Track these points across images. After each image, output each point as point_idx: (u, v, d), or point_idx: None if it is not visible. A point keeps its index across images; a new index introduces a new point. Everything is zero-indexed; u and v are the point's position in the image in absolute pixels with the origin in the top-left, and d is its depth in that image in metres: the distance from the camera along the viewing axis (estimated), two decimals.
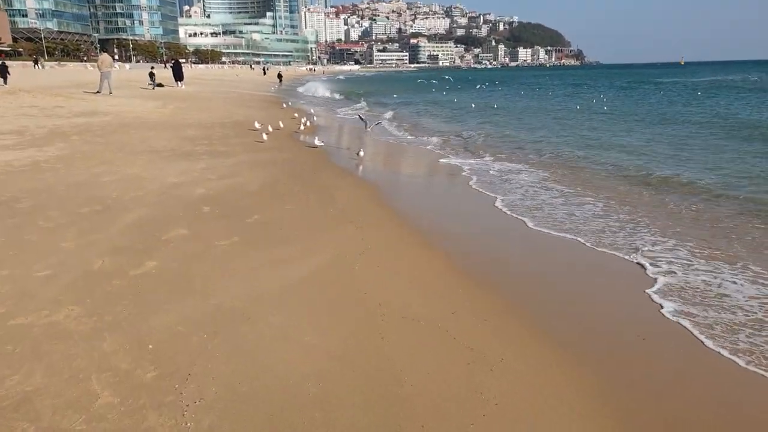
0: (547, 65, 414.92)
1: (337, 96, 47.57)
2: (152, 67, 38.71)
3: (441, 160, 13.58)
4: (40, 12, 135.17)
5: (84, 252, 5.48)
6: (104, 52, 29.51)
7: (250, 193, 8.70)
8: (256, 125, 17.63)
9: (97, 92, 26.07)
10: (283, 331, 4.11)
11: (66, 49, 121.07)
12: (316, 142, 14.93)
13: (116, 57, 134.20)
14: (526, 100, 42.15)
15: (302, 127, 18.64)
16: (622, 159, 13.77)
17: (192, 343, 3.80)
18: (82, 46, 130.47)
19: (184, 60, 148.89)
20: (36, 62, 64.15)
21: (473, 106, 34.68)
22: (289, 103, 30.56)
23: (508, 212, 8.49)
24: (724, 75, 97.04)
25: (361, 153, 13.39)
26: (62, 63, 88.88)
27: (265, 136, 15.14)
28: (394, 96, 47.64)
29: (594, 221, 7.88)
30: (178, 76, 38.00)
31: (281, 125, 18.53)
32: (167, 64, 64.94)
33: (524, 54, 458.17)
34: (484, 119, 26.01)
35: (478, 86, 64.43)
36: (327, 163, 12.57)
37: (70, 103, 20.01)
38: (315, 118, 23.16)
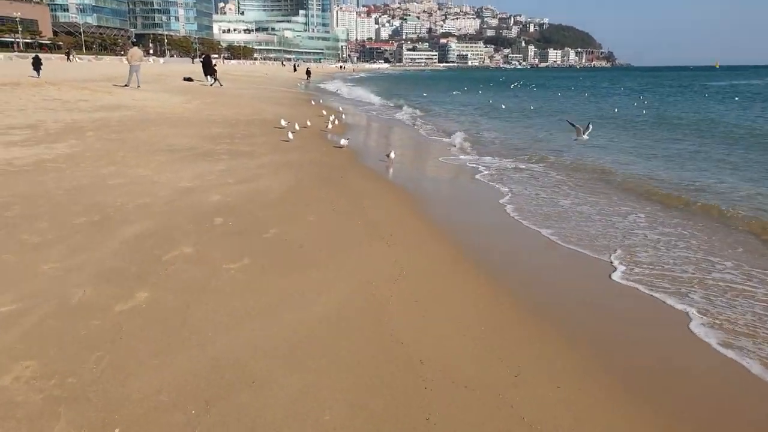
0: (578, 66, 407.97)
1: (366, 94, 46.70)
2: (214, 64, 37.27)
3: (477, 166, 12.48)
4: (81, 7, 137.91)
5: (65, 278, 4.58)
6: (135, 45, 28.98)
7: (270, 201, 7.76)
8: (283, 123, 16.77)
9: (125, 85, 25.66)
10: (297, 403, 3.12)
11: (104, 44, 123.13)
12: (342, 141, 14.00)
13: (151, 51, 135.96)
14: (561, 101, 40.65)
15: (330, 126, 17.74)
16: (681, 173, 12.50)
17: (174, 422, 2.84)
18: (119, 40, 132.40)
19: (216, 55, 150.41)
20: (69, 55, 64.66)
21: (503, 107, 33.45)
22: (320, 101, 29.71)
23: (557, 240, 7.38)
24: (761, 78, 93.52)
25: (392, 155, 12.42)
26: (99, 57, 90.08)
27: (291, 135, 14.26)
28: (424, 95, 46.52)
29: (672, 258, 6.72)
30: (209, 71, 37.50)
31: (309, 123, 17.66)
32: (197, 59, 64.87)
33: (554, 55, 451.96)
34: (519, 122, 24.77)
35: (512, 85, 63.04)
36: (355, 165, 11.61)
37: (95, 96, 19.46)
38: (344, 116, 22.26)
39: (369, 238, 6.47)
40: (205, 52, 48.31)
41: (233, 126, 16.16)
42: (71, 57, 63.78)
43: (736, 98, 42.36)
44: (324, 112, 22.41)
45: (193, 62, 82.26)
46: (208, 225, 6.42)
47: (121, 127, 13.45)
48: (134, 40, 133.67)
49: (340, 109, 26.17)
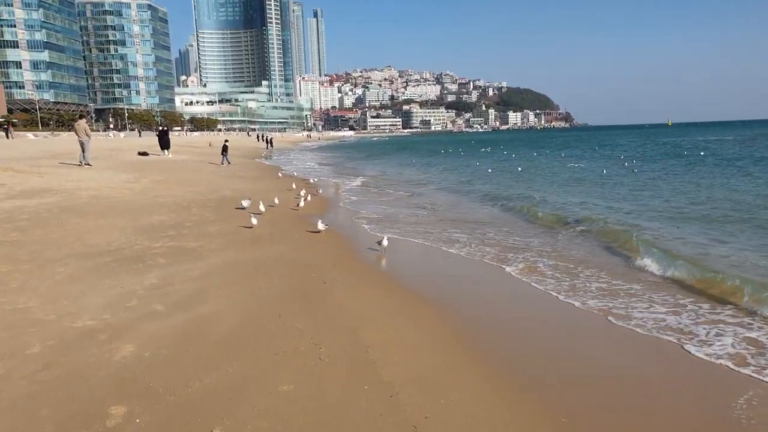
0: (538, 128, 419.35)
1: (335, 163, 44.57)
2: (226, 141, 33.99)
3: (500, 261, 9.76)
4: (37, 83, 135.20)
5: None
6: (81, 118, 26.03)
7: (216, 348, 4.83)
8: (244, 204, 14.00)
9: (81, 164, 23.04)
10: None
11: (61, 119, 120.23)
12: (320, 225, 11.25)
13: (111, 126, 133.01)
14: (545, 162, 39.02)
15: (302, 203, 15.01)
16: None
17: None
18: (78, 116, 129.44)
19: (179, 128, 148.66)
20: (7, 133, 60.93)
21: (490, 171, 31.55)
22: (294, 174, 27.01)
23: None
24: (718, 134, 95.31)
25: (384, 242, 9.68)
26: (56, 133, 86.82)
27: (254, 220, 11.43)
28: (413, 161, 44.51)
29: None
30: (164, 144, 34.87)
31: (276, 201, 14.94)
32: (144, 132, 62.10)
33: (514, 117, 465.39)
34: (523, 184, 22.52)
35: (483, 149, 62.25)
36: (339, 260, 8.79)
37: (17, 179, 16.36)
38: (319, 190, 19.60)
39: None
40: (161, 125, 45.78)
41: (183, 209, 13.26)
42: (10, 134, 59.98)
43: (702, 153, 41.83)
44: (294, 185, 19.77)
45: (140, 135, 78.81)
46: (96, 427, 3.44)
47: (32, 221, 10.38)
48: (93, 115, 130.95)
49: (312, 181, 23.56)
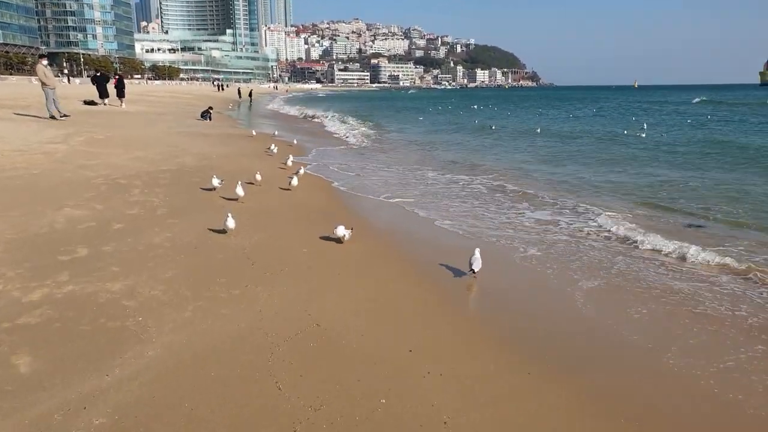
0: (506, 86, 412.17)
1: (313, 113, 39.60)
2: (210, 108, 29.07)
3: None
4: None
5: None
6: (42, 58, 19.43)
7: None
8: (214, 183, 9.35)
9: (52, 117, 18.34)
10: None
11: (9, 62, 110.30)
12: (340, 231, 6.78)
13: (65, 71, 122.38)
14: (556, 123, 34.85)
15: (294, 181, 10.31)
16: None
17: None
18: (29, 59, 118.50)
19: (139, 76, 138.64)
20: None
21: (493, 127, 27.50)
22: (275, 133, 21.53)
23: None
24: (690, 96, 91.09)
25: (476, 266, 5.39)
26: (2, 76, 78.51)
27: (231, 222, 6.79)
28: (420, 118, 39.51)
29: None
30: (104, 93, 28.77)
31: (258, 178, 10.24)
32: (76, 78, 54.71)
33: (482, 75, 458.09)
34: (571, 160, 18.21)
35: (475, 107, 58.36)
36: (409, 332, 4.41)
37: None
38: (311, 154, 14.89)
39: None
40: (100, 71, 39.52)
41: (118, 191, 8.52)
42: None
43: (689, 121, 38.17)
44: (273, 149, 14.99)
45: (68, 81, 69.42)
46: None
47: None
48: (44, 54, 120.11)
49: (295, 141, 18.72)
